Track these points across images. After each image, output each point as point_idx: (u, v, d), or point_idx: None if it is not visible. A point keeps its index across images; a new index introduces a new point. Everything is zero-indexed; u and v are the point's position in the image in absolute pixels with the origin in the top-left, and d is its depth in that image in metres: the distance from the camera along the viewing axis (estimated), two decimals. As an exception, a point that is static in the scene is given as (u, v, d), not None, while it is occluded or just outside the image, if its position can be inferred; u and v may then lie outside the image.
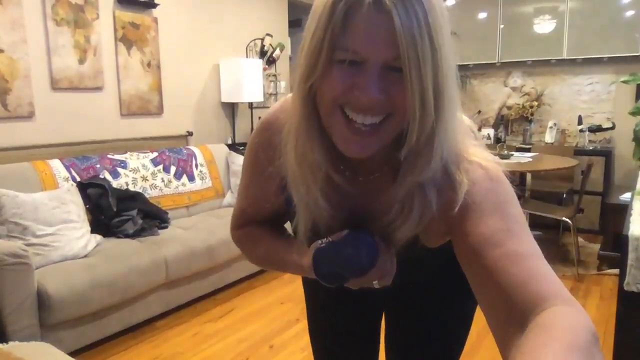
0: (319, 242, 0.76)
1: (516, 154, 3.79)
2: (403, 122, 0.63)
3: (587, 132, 4.32)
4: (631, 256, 1.29)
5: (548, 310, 0.52)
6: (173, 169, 3.32)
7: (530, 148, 4.39)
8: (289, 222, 0.93)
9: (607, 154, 4.20)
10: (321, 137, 0.68)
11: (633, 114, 2.12)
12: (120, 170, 2.99)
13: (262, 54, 4.38)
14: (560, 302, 0.53)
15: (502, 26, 4.57)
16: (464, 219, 0.65)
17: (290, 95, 0.75)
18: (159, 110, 3.58)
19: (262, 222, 0.92)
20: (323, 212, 0.73)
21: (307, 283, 1.15)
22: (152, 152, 3.28)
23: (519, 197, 0.92)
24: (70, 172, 2.74)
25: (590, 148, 4.30)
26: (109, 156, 3.01)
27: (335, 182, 0.72)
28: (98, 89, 3.17)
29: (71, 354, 2.09)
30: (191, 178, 3.42)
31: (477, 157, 0.69)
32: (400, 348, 1.09)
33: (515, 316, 0.54)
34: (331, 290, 1.08)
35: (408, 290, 1.00)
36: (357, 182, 0.75)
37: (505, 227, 0.62)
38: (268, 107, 0.98)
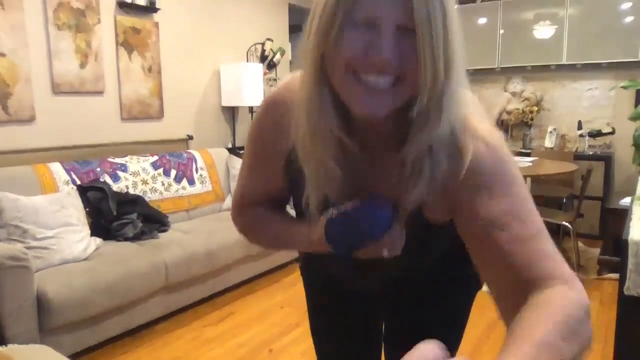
0: (330, 210, 0.76)
1: (516, 158, 3.79)
2: (414, 87, 0.64)
3: (586, 137, 4.32)
4: (631, 261, 1.28)
5: (546, 290, 0.58)
6: (173, 172, 3.32)
7: (530, 153, 4.39)
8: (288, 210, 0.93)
9: (606, 159, 4.20)
10: (333, 105, 0.68)
11: (632, 119, 2.12)
12: (120, 173, 3.00)
13: (263, 58, 4.39)
14: (559, 282, 0.59)
15: (502, 31, 4.58)
16: (470, 200, 0.68)
17: (295, 73, 0.76)
18: (160, 114, 3.59)
19: (264, 205, 0.92)
20: (334, 184, 0.74)
21: (308, 284, 1.16)
22: (152, 155, 3.28)
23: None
24: (70, 176, 2.74)
25: (590, 153, 4.30)
26: (109, 160, 3.01)
27: (347, 151, 0.72)
28: (99, 93, 3.17)
29: (71, 357, 2.08)
30: (191, 182, 3.42)
31: (483, 133, 0.70)
32: (400, 344, 1.09)
33: (517, 292, 0.60)
34: (331, 290, 1.09)
35: (405, 287, 1.01)
36: (367, 152, 0.76)
37: (509, 209, 0.65)
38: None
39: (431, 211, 0.76)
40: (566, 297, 0.57)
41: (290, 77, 0.81)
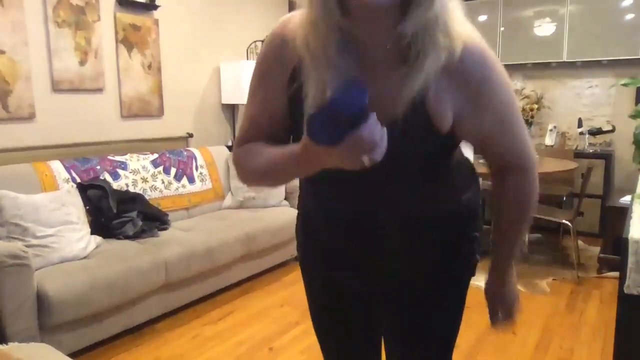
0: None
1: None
2: None
3: (587, 135, 4.32)
4: (631, 259, 1.28)
5: (509, 179, 0.93)
6: (173, 170, 3.32)
7: (530, 151, 4.38)
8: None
9: (607, 157, 4.20)
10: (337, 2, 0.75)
11: (633, 117, 2.12)
12: (120, 171, 2.99)
13: (263, 56, 4.38)
14: (519, 172, 0.92)
15: (502, 29, 4.57)
16: (469, 117, 0.82)
17: (295, 13, 0.86)
18: (160, 112, 3.59)
19: (265, 140, 0.92)
20: (335, 73, 0.77)
21: (307, 283, 1.16)
22: (152, 153, 3.28)
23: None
24: (70, 174, 2.74)
25: (590, 151, 4.29)
26: (109, 158, 3.01)
27: (348, 44, 0.78)
28: (99, 90, 3.17)
29: (71, 355, 2.09)
30: (191, 180, 3.42)
31: (474, 37, 0.80)
32: (400, 344, 1.09)
33: (494, 170, 0.97)
34: (331, 290, 1.09)
35: (404, 287, 1.01)
36: (367, 46, 0.80)
37: (498, 121, 0.86)
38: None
39: (433, 100, 0.79)
40: (518, 188, 0.94)
41: (292, 14, 0.88)
